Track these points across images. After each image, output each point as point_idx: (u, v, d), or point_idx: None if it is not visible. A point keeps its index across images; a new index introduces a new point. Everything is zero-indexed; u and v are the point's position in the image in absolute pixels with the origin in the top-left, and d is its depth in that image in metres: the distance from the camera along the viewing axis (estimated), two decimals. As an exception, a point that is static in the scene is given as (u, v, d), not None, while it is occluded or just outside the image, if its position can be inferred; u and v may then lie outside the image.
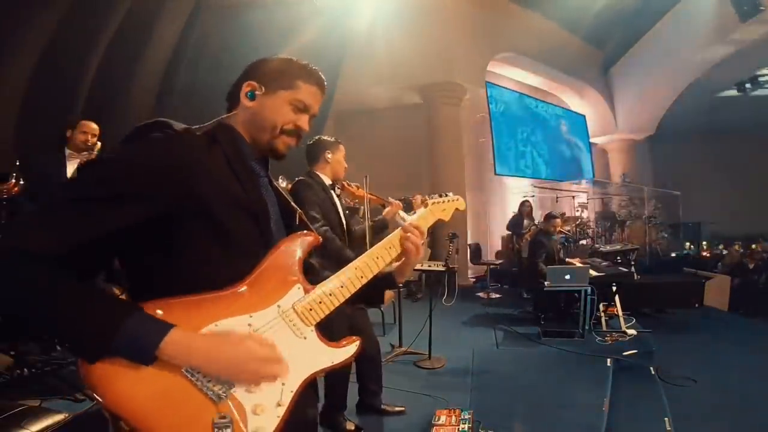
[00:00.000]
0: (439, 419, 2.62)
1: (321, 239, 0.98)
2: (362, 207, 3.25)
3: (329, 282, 0.94)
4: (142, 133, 0.84)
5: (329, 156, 2.51)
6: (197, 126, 0.92)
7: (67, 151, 3.00)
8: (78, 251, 0.74)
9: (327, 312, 0.92)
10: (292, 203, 1.07)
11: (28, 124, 3.85)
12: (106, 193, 0.77)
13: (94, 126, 3.05)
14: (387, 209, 2.89)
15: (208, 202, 0.82)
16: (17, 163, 2.87)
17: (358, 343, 0.96)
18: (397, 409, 2.88)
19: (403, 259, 1.08)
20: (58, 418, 1.80)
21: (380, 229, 2.81)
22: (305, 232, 0.97)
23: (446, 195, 1.23)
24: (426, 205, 1.19)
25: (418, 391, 3.23)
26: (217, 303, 0.82)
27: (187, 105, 4.87)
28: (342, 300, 0.94)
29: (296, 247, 0.93)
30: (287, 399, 0.85)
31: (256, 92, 0.95)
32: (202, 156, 0.85)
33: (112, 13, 4.34)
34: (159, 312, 0.77)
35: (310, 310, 0.90)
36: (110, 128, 3.14)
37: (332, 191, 2.52)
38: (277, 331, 0.86)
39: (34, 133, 3.73)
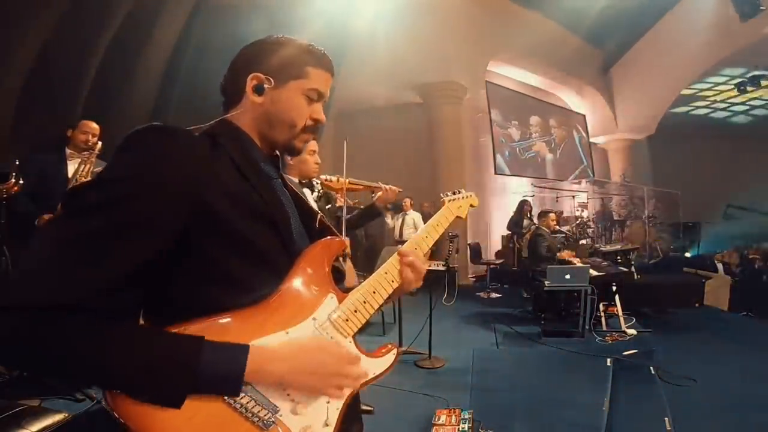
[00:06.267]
0: (439, 419, 2.62)
1: (347, 243, 0.93)
2: (356, 200, 3.10)
3: (361, 289, 0.88)
4: (135, 141, 0.72)
5: (289, 158, 2.43)
6: (195, 126, 0.82)
7: (68, 151, 3.00)
8: (103, 292, 0.66)
9: (364, 321, 0.86)
10: (313, 205, 0.99)
11: (27, 123, 3.85)
12: (116, 222, 0.66)
13: (95, 126, 3.05)
14: (378, 194, 2.62)
15: (222, 212, 0.73)
16: (17, 163, 2.87)
17: (395, 351, 0.90)
18: (365, 407, 2.77)
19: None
20: (58, 417, 1.79)
21: (372, 217, 2.61)
22: (330, 237, 0.89)
23: (459, 192, 1.18)
24: (443, 204, 1.15)
25: (418, 391, 3.23)
26: (249, 321, 0.75)
27: (187, 105, 4.87)
28: (376, 307, 0.88)
29: (324, 254, 0.86)
30: (334, 417, 0.80)
31: (265, 86, 0.84)
32: (206, 162, 0.74)
33: (112, 13, 4.34)
34: None
35: (347, 320, 0.83)
36: (111, 128, 3.13)
37: (305, 189, 2.39)
38: None
39: (34, 132, 3.73)
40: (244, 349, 0.70)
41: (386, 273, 0.92)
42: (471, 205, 1.20)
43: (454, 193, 1.17)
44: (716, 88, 11.41)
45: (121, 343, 0.66)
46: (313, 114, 0.88)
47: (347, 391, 0.81)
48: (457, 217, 1.15)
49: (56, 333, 0.62)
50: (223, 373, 0.68)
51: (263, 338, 0.75)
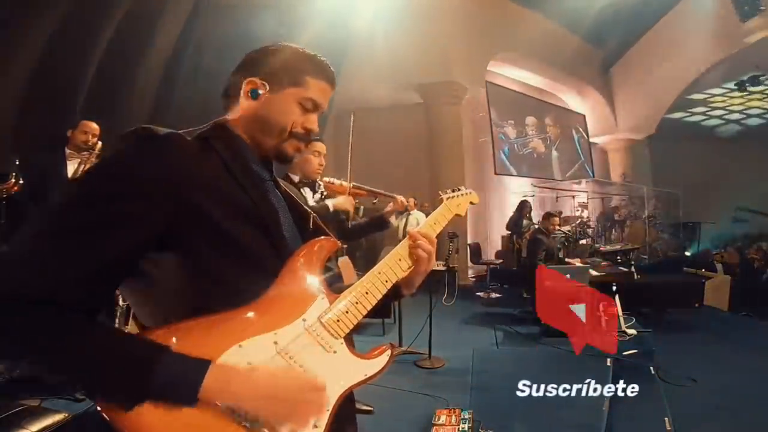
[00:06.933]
0: (439, 419, 2.62)
1: (340, 243, 0.92)
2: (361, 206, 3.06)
3: (353, 290, 0.87)
4: (123, 142, 0.74)
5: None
6: (190, 129, 0.82)
7: (68, 151, 3.01)
8: (77, 288, 0.66)
9: (355, 322, 0.85)
10: (305, 206, 0.99)
11: (28, 123, 3.85)
12: (95, 219, 0.67)
13: (95, 126, 3.06)
14: (389, 206, 2.58)
15: (210, 213, 0.74)
16: (17, 163, 2.88)
17: (389, 352, 0.89)
18: (365, 407, 2.74)
19: (413, 267, 0.98)
20: (58, 417, 1.79)
21: (380, 228, 2.57)
22: (323, 237, 0.89)
23: (459, 189, 1.17)
24: (441, 201, 1.14)
25: (418, 391, 3.23)
26: (237, 322, 0.75)
27: (187, 105, 4.88)
28: (368, 308, 0.87)
29: (315, 255, 0.86)
30: (323, 419, 0.79)
31: (260, 90, 0.85)
32: (196, 164, 0.75)
33: (112, 13, 4.35)
34: (175, 339, 0.70)
35: (338, 321, 0.83)
36: (111, 128, 3.14)
37: (306, 189, 2.37)
38: (305, 347, 0.79)
39: (34, 132, 3.73)
40: (203, 367, 0.69)
41: (380, 273, 0.91)
42: (471, 203, 1.19)
43: (453, 191, 1.16)
44: (722, 92, 11.39)
45: (81, 339, 0.66)
46: (305, 123, 0.88)
47: (312, 419, 0.77)
48: (456, 215, 1.14)
49: (20, 324, 0.63)
50: (179, 384, 0.67)
51: (249, 340, 0.75)
